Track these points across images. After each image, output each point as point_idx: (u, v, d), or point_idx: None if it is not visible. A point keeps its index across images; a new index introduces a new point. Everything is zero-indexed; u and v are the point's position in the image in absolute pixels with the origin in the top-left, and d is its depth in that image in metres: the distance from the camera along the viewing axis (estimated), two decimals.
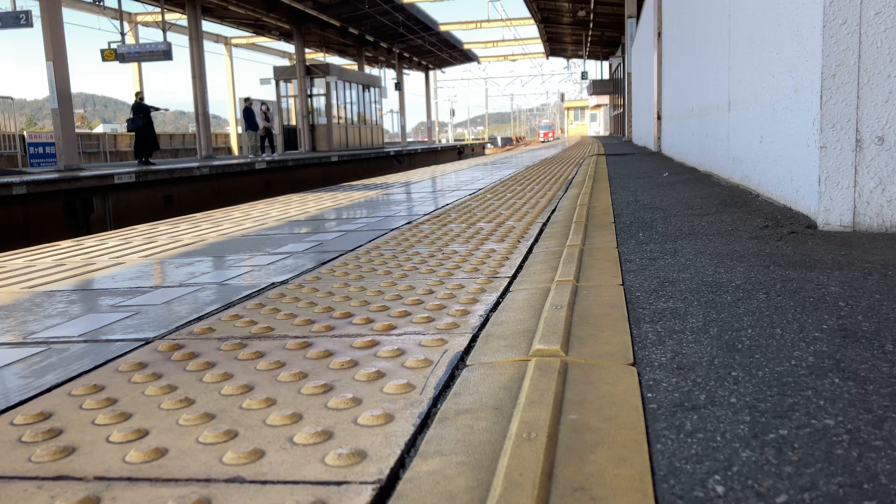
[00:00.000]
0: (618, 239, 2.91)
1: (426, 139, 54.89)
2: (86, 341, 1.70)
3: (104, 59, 18.92)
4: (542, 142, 60.66)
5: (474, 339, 1.57)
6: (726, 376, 1.25)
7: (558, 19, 30.85)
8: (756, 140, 4.06)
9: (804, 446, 0.97)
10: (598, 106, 56.81)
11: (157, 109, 16.64)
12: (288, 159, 18.87)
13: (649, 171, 7.34)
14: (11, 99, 19.68)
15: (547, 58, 48.65)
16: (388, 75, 38.77)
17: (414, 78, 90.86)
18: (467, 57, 46.45)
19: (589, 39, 34.32)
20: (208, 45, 26.44)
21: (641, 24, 15.21)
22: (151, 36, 26.29)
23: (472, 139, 79.47)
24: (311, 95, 26.31)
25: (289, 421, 1.14)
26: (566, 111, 69.50)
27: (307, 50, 28.60)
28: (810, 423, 1.04)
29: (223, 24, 25.61)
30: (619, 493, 0.86)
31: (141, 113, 15.95)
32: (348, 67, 32.82)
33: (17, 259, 3.21)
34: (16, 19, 14.59)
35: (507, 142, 73.57)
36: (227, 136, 34.92)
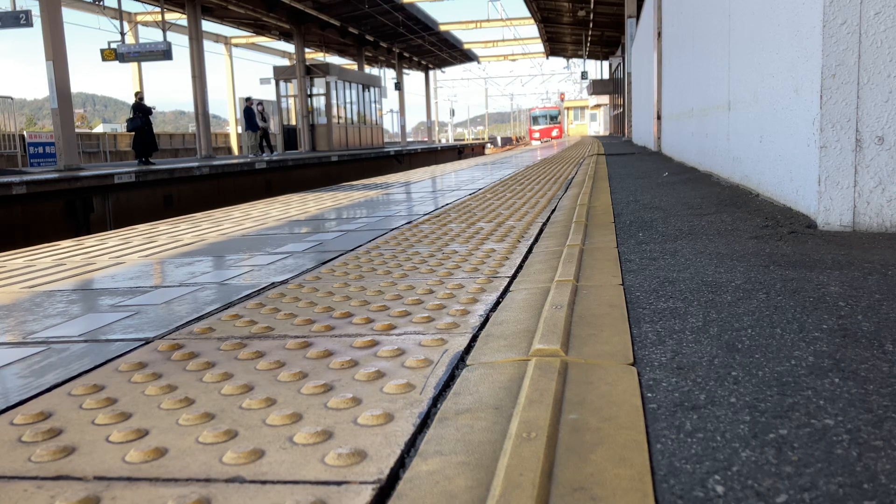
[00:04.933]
0: (618, 239, 2.91)
1: (426, 139, 54.81)
2: (86, 341, 1.70)
3: (104, 58, 18.92)
4: (538, 141, 47.00)
5: (474, 338, 1.57)
6: (726, 376, 1.25)
7: (558, 19, 30.85)
8: (756, 140, 4.06)
9: (804, 446, 0.97)
10: (597, 106, 56.55)
11: (149, 112, 16.62)
12: (288, 159, 18.87)
13: (649, 170, 7.34)
14: (11, 99, 19.69)
15: (547, 58, 48.33)
16: (388, 75, 38.79)
17: (414, 78, 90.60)
18: (467, 57, 46.42)
19: (589, 39, 34.31)
20: (208, 45, 26.45)
21: (641, 23, 15.21)
22: (151, 36, 26.32)
23: (472, 139, 77.83)
24: (310, 95, 26.31)
25: (289, 421, 1.14)
26: (566, 111, 58.30)
27: (307, 50, 28.59)
28: (810, 422, 1.04)
29: (223, 23, 25.60)
30: (619, 493, 0.86)
31: (140, 112, 15.95)
32: (348, 67, 32.82)
33: (17, 259, 3.21)
34: (15, 19, 14.59)
35: (507, 141, 69.27)
36: (227, 135, 34.91)
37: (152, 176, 13.46)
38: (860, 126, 2.74)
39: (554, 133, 50.35)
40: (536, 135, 51.78)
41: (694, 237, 2.86)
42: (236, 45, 31.47)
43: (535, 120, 54.31)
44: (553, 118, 53.07)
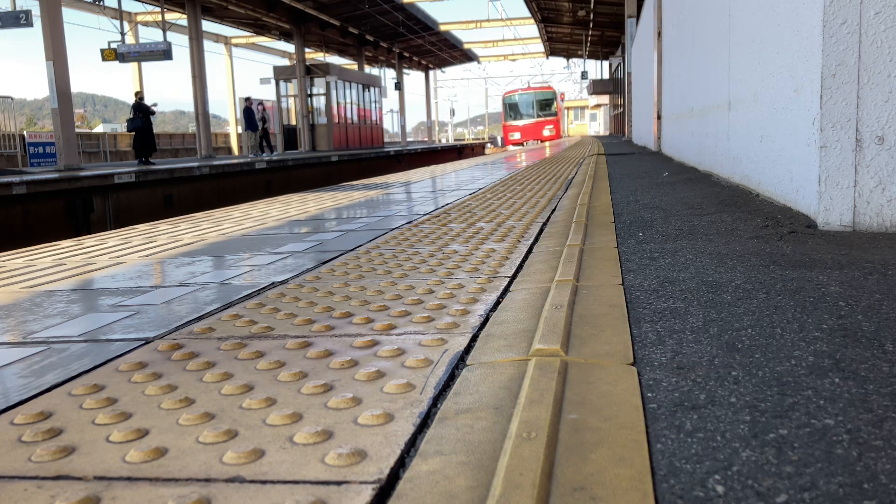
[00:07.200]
0: (618, 238, 2.91)
1: (426, 139, 54.82)
2: (86, 341, 1.70)
3: (104, 58, 18.94)
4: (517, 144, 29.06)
5: (474, 338, 1.57)
6: (726, 376, 1.25)
7: (558, 19, 30.84)
8: (756, 140, 4.06)
9: (804, 446, 0.97)
10: (598, 106, 56.53)
11: (152, 113, 16.61)
12: (288, 159, 18.87)
13: (649, 170, 7.34)
14: (11, 99, 19.68)
15: (547, 58, 48.27)
16: (388, 75, 38.80)
17: (414, 78, 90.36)
18: (467, 57, 46.42)
19: (589, 39, 34.29)
20: (208, 45, 26.46)
21: (641, 23, 15.21)
22: (151, 36, 26.31)
23: (472, 139, 77.64)
24: (311, 95, 26.31)
25: (289, 420, 1.14)
26: (566, 111, 52.41)
27: (307, 49, 28.60)
28: (810, 422, 1.04)
29: (223, 23, 25.61)
30: (619, 493, 0.86)
31: (140, 112, 15.96)
32: (348, 67, 32.82)
33: (17, 259, 3.21)
34: (16, 19, 14.60)
35: None
36: (227, 135, 34.93)
37: (152, 176, 13.46)
38: (860, 126, 2.74)
39: (546, 131, 30.39)
40: (516, 135, 30.71)
41: (694, 237, 2.86)
42: (236, 45, 31.48)
43: (511, 109, 31.71)
44: (545, 105, 31.70)
